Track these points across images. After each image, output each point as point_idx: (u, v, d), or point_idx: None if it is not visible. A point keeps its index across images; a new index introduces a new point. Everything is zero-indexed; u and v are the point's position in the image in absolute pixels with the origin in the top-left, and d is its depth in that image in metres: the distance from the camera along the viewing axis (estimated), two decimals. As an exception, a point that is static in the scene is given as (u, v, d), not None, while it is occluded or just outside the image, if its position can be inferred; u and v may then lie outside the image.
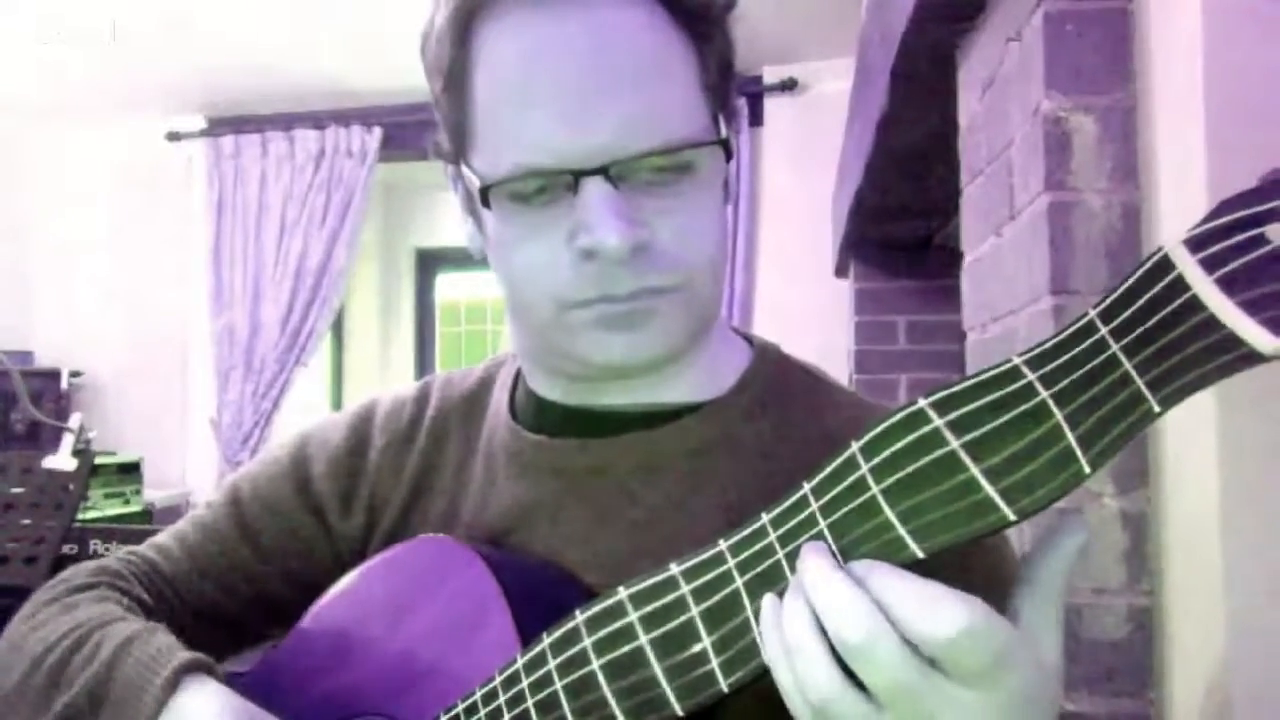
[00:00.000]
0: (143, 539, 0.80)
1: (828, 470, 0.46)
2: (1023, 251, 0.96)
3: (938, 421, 0.43)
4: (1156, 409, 0.40)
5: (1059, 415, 0.42)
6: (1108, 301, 0.41)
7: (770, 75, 3.19)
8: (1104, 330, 0.41)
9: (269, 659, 0.69)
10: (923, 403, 0.44)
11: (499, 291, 0.65)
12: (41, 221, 3.84)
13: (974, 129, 1.21)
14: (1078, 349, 0.42)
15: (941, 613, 0.41)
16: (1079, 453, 0.41)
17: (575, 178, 0.55)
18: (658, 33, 0.58)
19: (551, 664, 0.53)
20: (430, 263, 4.72)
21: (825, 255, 3.04)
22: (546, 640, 0.54)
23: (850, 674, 0.44)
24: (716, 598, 0.48)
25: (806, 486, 0.47)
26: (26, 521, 1.41)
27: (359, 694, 0.64)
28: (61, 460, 1.45)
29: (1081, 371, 0.41)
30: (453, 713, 0.58)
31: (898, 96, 1.44)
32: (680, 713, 0.49)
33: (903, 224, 2.35)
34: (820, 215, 3.05)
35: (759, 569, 0.48)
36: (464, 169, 0.61)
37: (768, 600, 0.47)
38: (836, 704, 0.44)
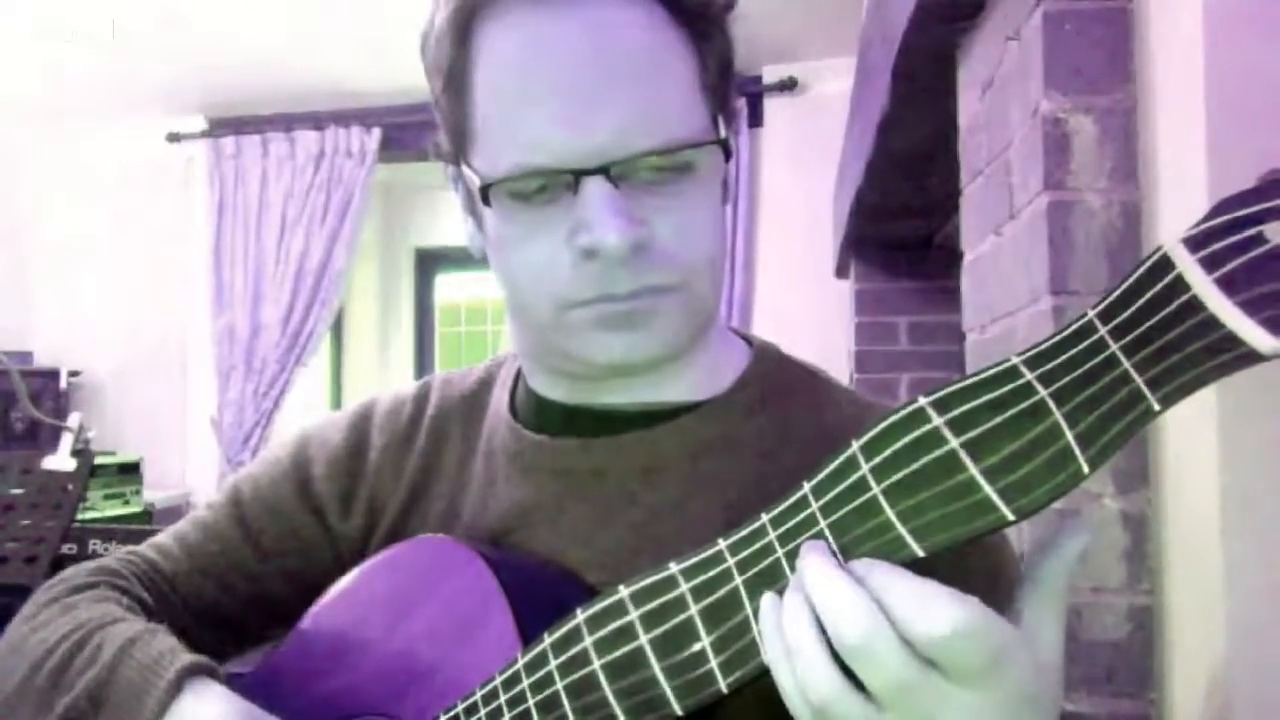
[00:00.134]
0: (142, 539, 0.80)
1: (828, 470, 0.46)
2: (1022, 251, 0.96)
3: (938, 420, 0.43)
4: (1156, 407, 0.40)
5: (1057, 414, 0.42)
6: (1107, 302, 0.41)
7: (770, 75, 3.18)
8: (1103, 330, 0.41)
9: (269, 660, 0.69)
10: (923, 401, 0.44)
11: (499, 292, 0.65)
12: (41, 222, 3.84)
13: (974, 129, 1.21)
14: (1076, 348, 0.42)
15: (937, 612, 0.41)
16: (1077, 452, 0.41)
17: (576, 177, 0.55)
18: (657, 32, 0.58)
19: (553, 664, 0.53)
20: (430, 262, 4.72)
21: (825, 256, 3.04)
22: (548, 640, 0.54)
23: (850, 674, 0.44)
24: (715, 596, 0.48)
25: (806, 486, 0.47)
26: (26, 522, 1.41)
27: (359, 694, 0.64)
28: (61, 460, 1.45)
29: (1080, 371, 0.41)
30: (452, 713, 0.58)
31: (898, 96, 1.44)
32: (679, 712, 0.49)
33: (903, 223, 2.35)
34: (820, 216, 3.05)
35: (758, 568, 0.48)
36: (464, 168, 0.61)
37: (767, 599, 0.47)
38: (836, 704, 0.44)
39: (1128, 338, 0.40)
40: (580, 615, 0.52)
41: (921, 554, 0.44)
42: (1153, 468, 0.84)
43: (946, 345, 2.65)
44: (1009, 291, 1.02)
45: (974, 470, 0.42)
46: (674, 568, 0.50)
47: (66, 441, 1.46)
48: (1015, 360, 0.43)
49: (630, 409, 0.65)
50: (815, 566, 0.44)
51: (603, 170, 0.55)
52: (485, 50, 0.58)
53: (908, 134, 1.61)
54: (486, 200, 0.58)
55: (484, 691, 0.57)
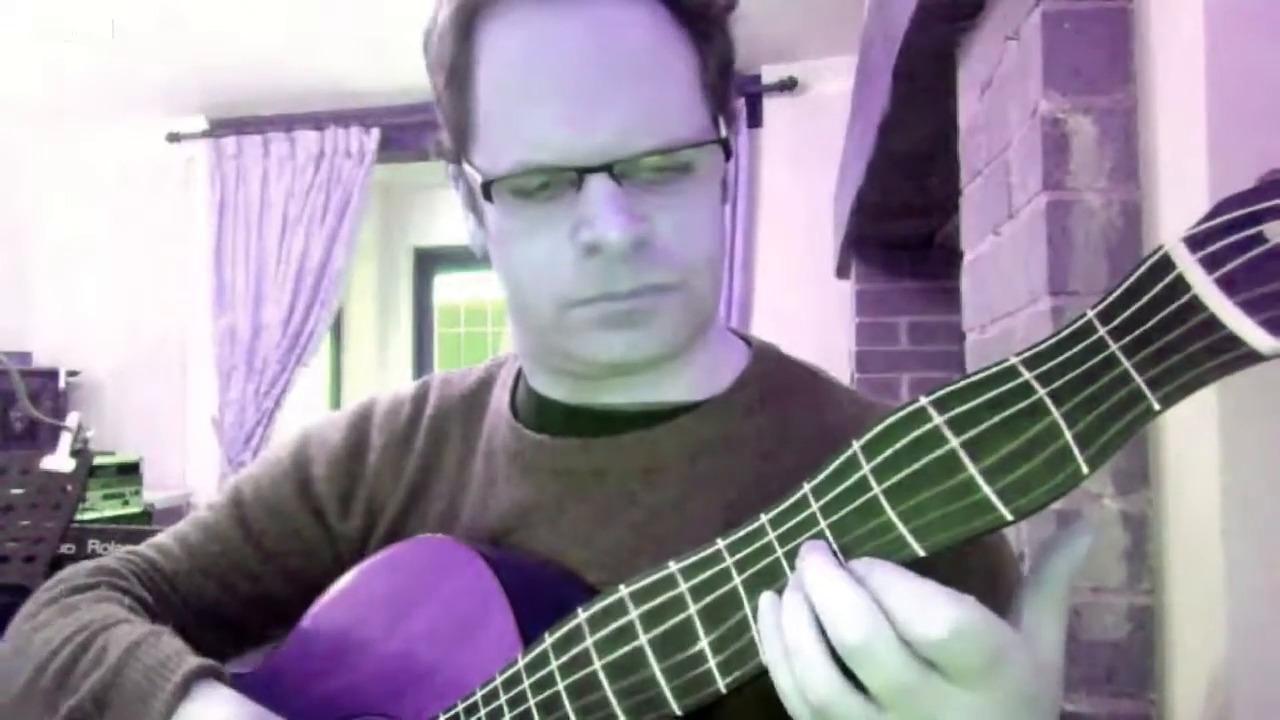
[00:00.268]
0: (141, 539, 0.80)
1: (829, 470, 0.46)
2: (1021, 251, 0.96)
3: (938, 419, 0.43)
4: (1156, 406, 0.40)
5: (1056, 413, 0.42)
6: (1106, 302, 0.41)
7: (769, 74, 3.18)
8: (1102, 331, 0.41)
9: (270, 661, 0.69)
10: (924, 400, 0.44)
11: (499, 293, 0.65)
12: (40, 222, 3.84)
13: (974, 129, 1.21)
14: (1075, 348, 0.42)
15: (937, 613, 0.41)
16: (1076, 452, 0.41)
17: (580, 174, 0.56)
18: (659, 31, 0.58)
19: (554, 664, 0.53)
20: (429, 262, 4.72)
21: (825, 257, 3.04)
22: (549, 640, 0.53)
23: (850, 675, 0.43)
24: (714, 595, 0.48)
25: (807, 487, 0.47)
26: (25, 522, 1.41)
27: (360, 694, 0.64)
28: (59, 461, 1.45)
29: (1079, 370, 0.41)
30: (452, 713, 0.58)
31: (899, 96, 1.44)
32: (678, 712, 0.49)
33: (904, 223, 2.35)
34: (820, 216, 3.05)
35: (757, 567, 0.48)
36: (466, 165, 0.62)
37: (766, 599, 0.47)
38: (836, 705, 0.43)
39: (1127, 338, 0.40)
40: (581, 615, 0.52)
41: (922, 554, 0.44)
42: (1153, 468, 0.84)
43: (947, 345, 2.65)
44: (1008, 292, 1.02)
45: (973, 470, 0.42)
46: (673, 567, 0.50)
47: (65, 441, 1.46)
48: (1014, 360, 0.43)
49: (630, 409, 0.65)
50: (815, 566, 0.44)
51: (606, 168, 0.55)
52: (488, 47, 0.58)
53: (909, 134, 1.61)
54: (489, 196, 0.59)
55: (484, 691, 0.56)
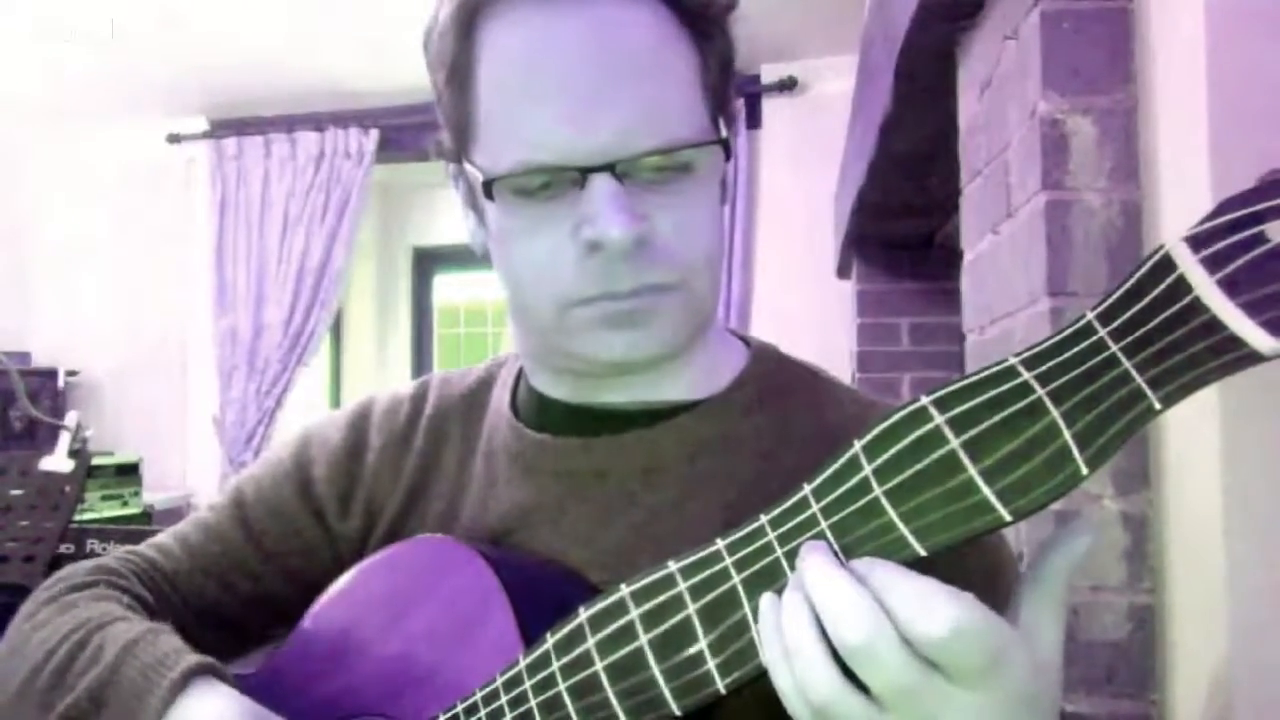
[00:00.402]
0: (141, 538, 0.80)
1: (830, 471, 0.46)
2: (1020, 251, 0.96)
3: (939, 419, 0.43)
4: (1158, 406, 0.40)
5: (1055, 412, 0.42)
6: (1107, 303, 0.41)
7: (769, 74, 3.17)
8: (1103, 332, 0.41)
9: (271, 662, 0.69)
10: (925, 400, 0.44)
11: (499, 293, 0.65)
12: (40, 222, 3.84)
13: (973, 130, 1.21)
14: (1075, 349, 0.42)
15: (939, 612, 0.41)
16: (1075, 452, 0.41)
17: (582, 174, 0.56)
18: (660, 31, 0.58)
19: (556, 665, 0.53)
20: (428, 261, 4.71)
21: (825, 257, 3.04)
22: (550, 640, 0.53)
23: (850, 675, 0.43)
24: (713, 595, 0.48)
25: (807, 488, 0.47)
26: (24, 523, 1.42)
27: (360, 694, 0.64)
28: (58, 461, 1.45)
29: (1079, 370, 0.41)
30: (451, 713, 0.58)
31: (901, 96, 1.44)
32: (678, 712, 0.49)
33: (905, 222, 2.35)
34: (821, 216, 3.04)
35: (756, 567, 0.47)
36: (466, 164, 0.62)
37: (766, 599, 0.46)
38: (837, 705, 0.43)
39: (1128, 339, 0.40)
40: (583, 614, 0.52)
41: (923, 554, 0.44)
42: (1153, 468, 0.84)
43: (947, 346, 2.65)
44: (1008, 293, 1.02)
45: (972, 471, 0.42)
46: (672, 566, 0.50)
47: (64, 441, 1.46)
48: (1013, 360, 0.43)
49: (630, 407, 0.66)
50: (816, 566, 0.44)
51: (608, 168, 0.55)
52: (489, 45, 0.58)
53: (910, 134, 1.61)
54: (490, 195, 0.59)
55: (485, 692, 0.56)
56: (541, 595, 0.61)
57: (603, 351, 0.60)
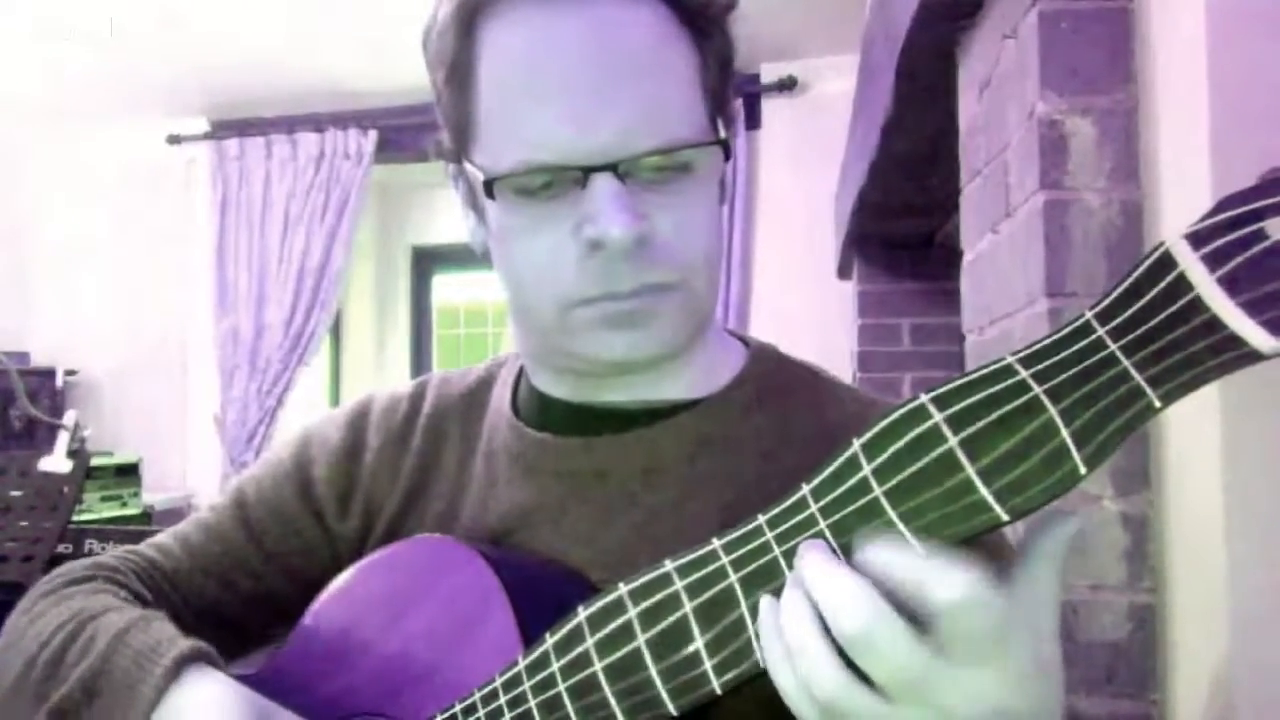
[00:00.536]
0: (140, 538, 0.80)
1: (829, 471, 0.46)
2: (1019, 251, 0.96)
3: (938, 417, 0.43)
4: (1157, 404, 0.40)
5: (1052, 410, 0.41)
6: (1105, 302, 0.41)
7: (768, 73, 3.16)
8: (1101, 331, 0.41)
9: (271, 662, 0.69)
10: (924, 398, 0.44)
11: (500, 294, 0.65)
12: (40, 222, 3.84)
13: (973, 130, 1.21)
14: (1073, 348, 0.42)
15: (941, 581, 0.41)
16: (1073, 450, 0.41)
17: (584, 173, 0.56)
18: (660, 30, 0.58)
19: (555, 665, 0.53)
20: (427, 261, 4.71)
21: (826, 257, 3.04)
22: (550, 640, 0.53)
23: (854, 671, 0.43)
24: (709, 594, 0.48)
25: (806, 488, 0.47)
26: (24, 523, 1.42)
27: (360, 694, 0.64)
28: (57, 462, 1.45)
29: (1077, 369, 0.41)
30: (449, 713, 0.58)
31: (902, 96, 1.44)
32: (674, 712, 0.49)
33: (906, 221, 2.35)
34: (821, 217, 3.04)
35: (753, 566, 0.47)
36: (466, 164, 0.62)
37: (765, 600, 0.46)
38: (843, 700, 0.43)
39: (1127, 337, 0.40)
40: (582, 613, 0.52)
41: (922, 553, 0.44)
42: (1154, 467, 0.84)
43: (948, 346, 2.65)
44: (1007, 293, 1.02)
45: (969, 469, 0.42)
46: (669, 565, 0.50)
47: (62, 441, 1.46)
48: (1010, 359, 0.43)
49: (631, 406, 0.66)
50: (814, 563, 0.44)
51: (610, 167, 0.56)
52: (489, 44, 0.59)
53: (912, 134, 1.61)
54: (490, 194, 0.59)
55: (483, 693, 0.56)
56: (541, 595, 0.61)
57: (604, 351, 0.60)
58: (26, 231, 3.82)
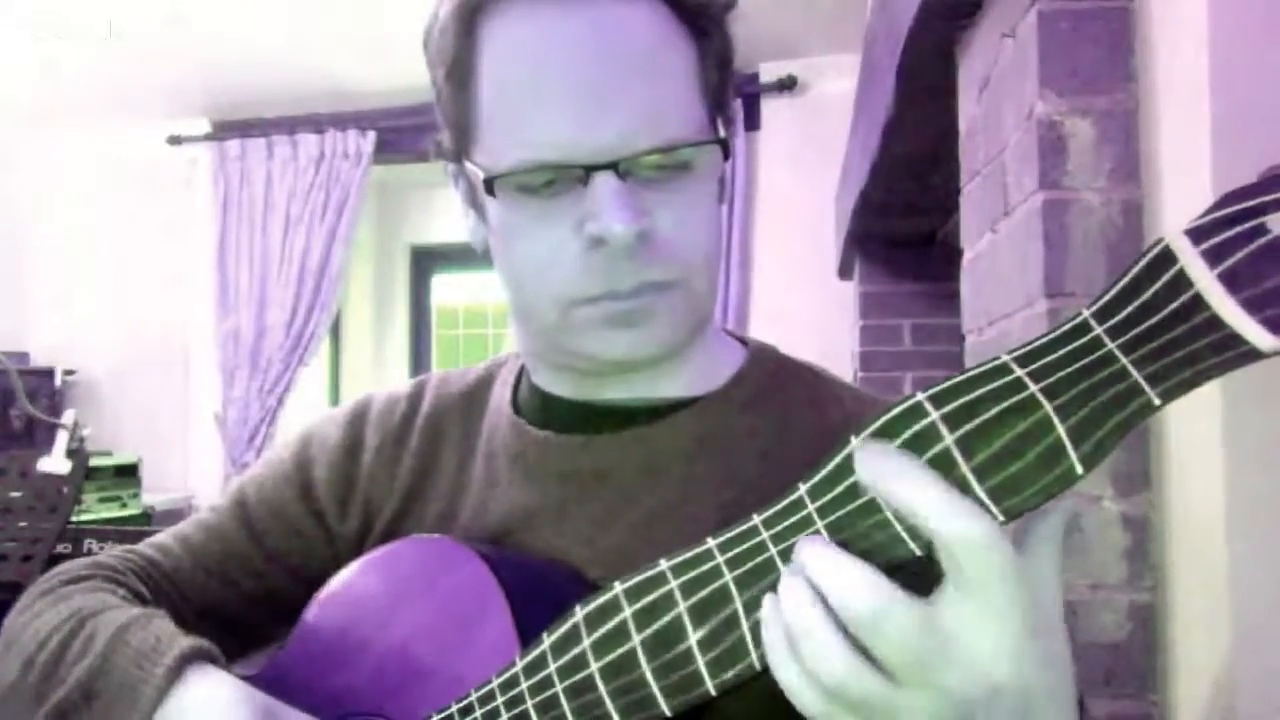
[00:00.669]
0: (139, 539, 0.80)
1: (827, 470, 0.46)
2: (1018, 251, 0.96)
3: (934, 414, 0.43)
4: (1157, 401, 0.40)
5: (1047, 406, 0.41)
6: (1104, 299, 0.41)
7: (767, 73, 3.14)
8: (1099, 329, 0.41)
9: (272, 662, 0.69)
10: (920, 396, 0.44)
11: (500, 294, 0.66)
12: (38, 222, 3.84)
13: (973, 130, 1.20)
14: (1069, 346, 0.41)
15: (962, 513, 0.41)
16: (1070, 448, 0.41)
17: (586, 172, 0.56)
18: (660, 29, 0.59)
19: (552, 667, 0.53)
20: (425, 260, 4.71)
21: (826, 258, 3.03)
22: (547, 641, 0.53)
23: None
24: (703, 593, 0.48)
25: (803, 488, 0.46)
26: (23, 524, 1.42)
27: (358, 694, 0.63)
28: (55, 463, 1.45)
29: (1074, 367, 0.41)
30: (446, 713, 0.58)
31: (903, 95, 1.44)
32: (668, 712, 0.49)
33: (907, 220, 2.35)
34: (822, 217, 3.03)
35: (749, 565, 0.47)
36: (467, 162, 0.62)
37: (768, 598, 0.46)
38: (853, 686, 0.42)
39: (1125, 335, 0.40)
40: (579, 613, 0.52)
41: (919, 553, 0.43)
42: (1155, 466, 0.83)
43: (949, 346, 2.65)
44: (1006, 294, 1.02)
45: (964, 468, 0.42)
46: (664, 564, 0.50)
47: (61, 440, 1.46)
48: (1005, 358, 0.43)
49: (631, 404, 0.66)
50: (817, 552, 0.44)
51: (612, 166, 0.56)
52: (491, 43, 0.59)
53: (914, 133, 1.60)
54: (491, 191, 0.59)
55: (481, 693, 0.56)
56: (539, 595, 0.61)
57: (605, 350, 0.61)
58: (26, 232, 3.82)
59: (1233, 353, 0.38)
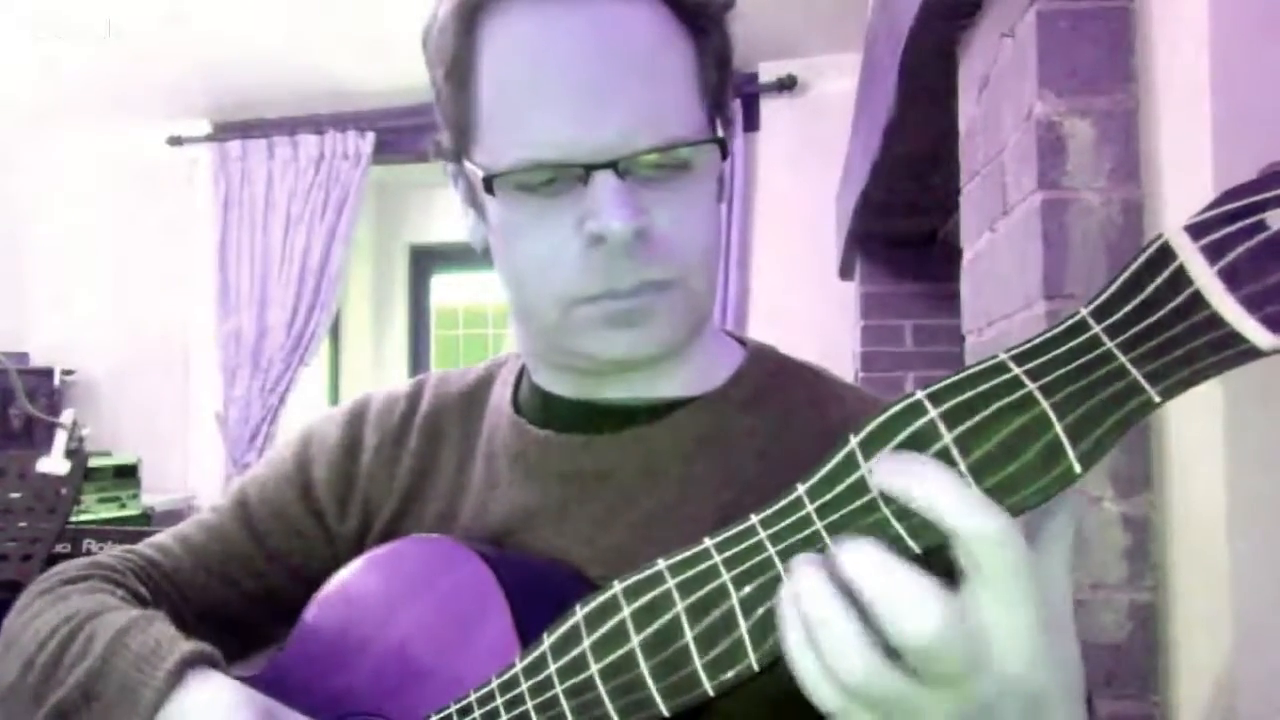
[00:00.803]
0: (139, 539, 0.80)
1: (825, 470, 0.46)
2: (1017, 251, 0.96)
3: (933, 413, 0.43)
4: (1157, 399, 0.40)
5: (1044, 404, 0.41)
6: (1103, 297, 0.41)
7: (767, 73, 3.14)
8: (1097, 328, 0.41)
9: (272, 662, 0.68)
10: (919, 394, 0.44)
11: (500, 294, 0.66)
12: (38, 222, 3.84)
13: (972, 130, 1.20)
14: (1068, 345, 0.41)
15: (979, 509, 0.40)
16: (1068, 447, 0.41)
17: (586, 170, 0.56)
18: (659, 29, 0.59)
19: (552, 667, 0.52)
20: (425, 260, 4.71)
21: (826, 258, 3.03)
22: (547, 641, 0.53)
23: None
24: (701, 592, 0.48)
25: (801, 488, 0.46)
26: (22, 524, 1.42)
27: (358, 694, 0.63)
28: (55, 463, 1.45)
29: (1072, 365, 0.41)
30: (445, 713, 0.58)
31: (904, 95, 1.43)
32: (666, 713, 0.49)
33: (908, 220, 2.35)
34: (822, 217, 3.03)
35: (747, 565, 0.47)
36: (466, 161, 0.62)
37: (786, 591, 0.45)
38: (875, 687, 0.41)
39: (1124, 334, 0.40)
40: (579, 613, 0.52)
41: (919, 552, 0.43)
42: (1155, 466, 0.83)
43: (949, 347, 2.65)
44: (1005, 294, 1.02)
45: (962, 466, 0.42)
46: (661, 564, 0.49)
47: (60, 440, 1.46)
48: (1003, 356, 0.42)
49: (631, 403, 0.66)
50: (868, 559, 0.41)
51: (612, 165, 0.56)
52: (490, 42, 0.59)
53: (915, 132, 1.60)
54: (491, 190, 0.59)
55: (480, 694, 0.56)
56: (539, 595, 0.61)
57: (605, 350, 0.61)
58: (26, 232, 3.82)
59: (1232, 351, 0.38)
